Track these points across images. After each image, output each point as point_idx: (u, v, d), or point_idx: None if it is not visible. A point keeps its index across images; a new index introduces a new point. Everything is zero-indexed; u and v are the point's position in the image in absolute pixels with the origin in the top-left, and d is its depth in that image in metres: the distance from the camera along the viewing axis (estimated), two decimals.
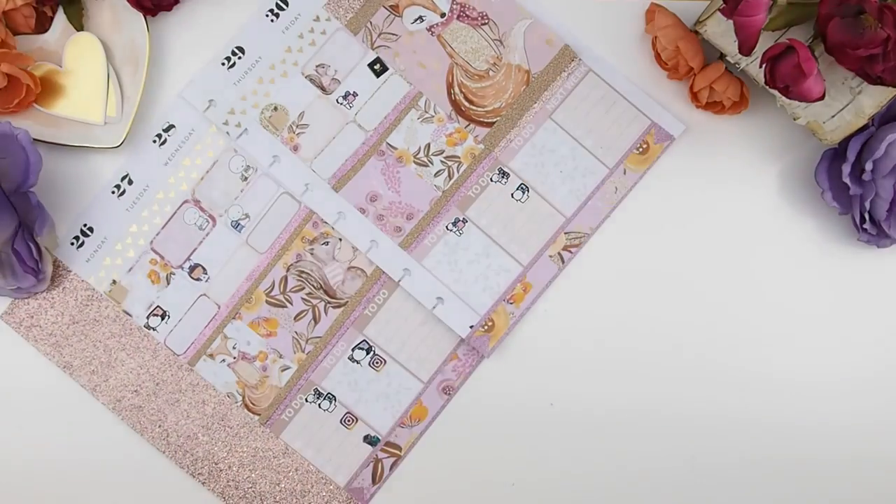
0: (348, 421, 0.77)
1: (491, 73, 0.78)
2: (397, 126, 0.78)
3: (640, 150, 0.79)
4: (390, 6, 0.78)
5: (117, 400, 0.76)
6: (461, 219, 0.78)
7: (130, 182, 0.77)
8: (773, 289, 0.79)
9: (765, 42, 0.71)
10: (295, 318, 0.77)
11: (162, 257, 0.77)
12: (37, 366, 0.75)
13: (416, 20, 0.78)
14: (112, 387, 0.76)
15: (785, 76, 0.67)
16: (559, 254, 0.78)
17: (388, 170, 0.78)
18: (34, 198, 0.71)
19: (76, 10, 0.75)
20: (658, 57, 0.78)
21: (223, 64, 0.77)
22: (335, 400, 0.77)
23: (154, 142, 0.77)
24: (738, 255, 0.79)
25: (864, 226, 0.75)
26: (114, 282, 0.76)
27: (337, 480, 0.77)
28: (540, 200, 0.78)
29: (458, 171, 0.78)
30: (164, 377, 0.76)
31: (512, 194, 0.78)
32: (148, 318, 0.76)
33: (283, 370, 0.77)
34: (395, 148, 0.78)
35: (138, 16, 0.75)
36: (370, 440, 0.77)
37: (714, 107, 0.77)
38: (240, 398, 0.77)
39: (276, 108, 0.77)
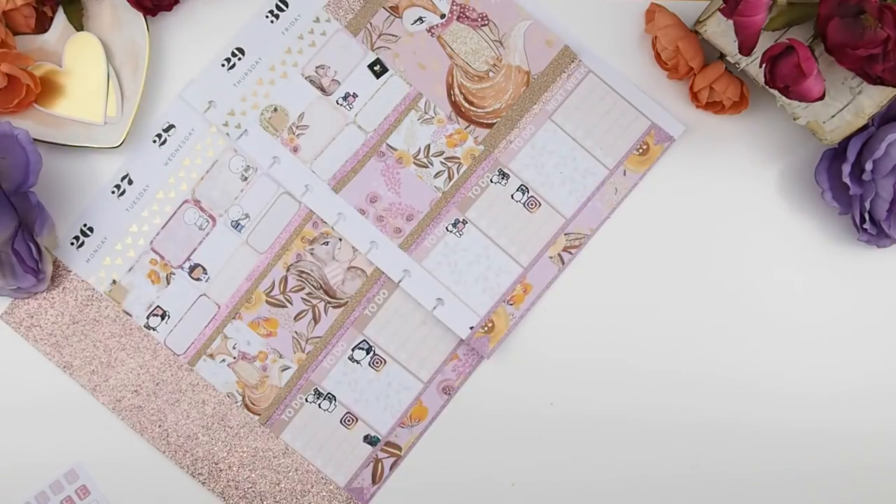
0: (348, 421, 0.77)
1: (491, 74, 0.79)
2: (397, 127, 0.78)
3: (640, 151, 0.79)
4: (390, 7, 0.78)
5: (117, 400, 0.76)
6: (461, 220, 0.78)
7: (130, 182, 0.77)
8: (773, 289, 0.79)
9: (765, 42, 0.71)
10: (295, 318, 0.77)
11: (162, 257, 0.76)
12: (37, 366, 0.75)
13: (416, 21, 0.78)
14: (112, 387, 0.76)
15: (785, 76, 0.67)
16: (559, 255, 0.78)
17: (388, 171, 0.78)
18: (34, 198, 0.71)
19: (76, 10, 0.75)
20: (658, 57, 0.78)
21: (223, 65, 0.77)
22: (335, 400, 0.77)
23: (154, 142, 0.77)
24: (738, 256, 0.79)
25: (864, 226, 0.75)
26: (114, 282, 0.76)
27: (337, 480, 0.77)
28: (540, 201, 0.78)
29: (458, 173, 0.78)
30: (164, 377, 0.76)
31: (512, 195, 0.78)
32: (148, 318, 0.76)
33: (283, 370, 0.77)
34: (395, 149, 0.78)
35: (138, 16, 0.75)
36: (370, 440, 0.77)
37: (714, 107, 0.77)
38: (240, 398, 0.76)
39: (276, 109, 0.77)
